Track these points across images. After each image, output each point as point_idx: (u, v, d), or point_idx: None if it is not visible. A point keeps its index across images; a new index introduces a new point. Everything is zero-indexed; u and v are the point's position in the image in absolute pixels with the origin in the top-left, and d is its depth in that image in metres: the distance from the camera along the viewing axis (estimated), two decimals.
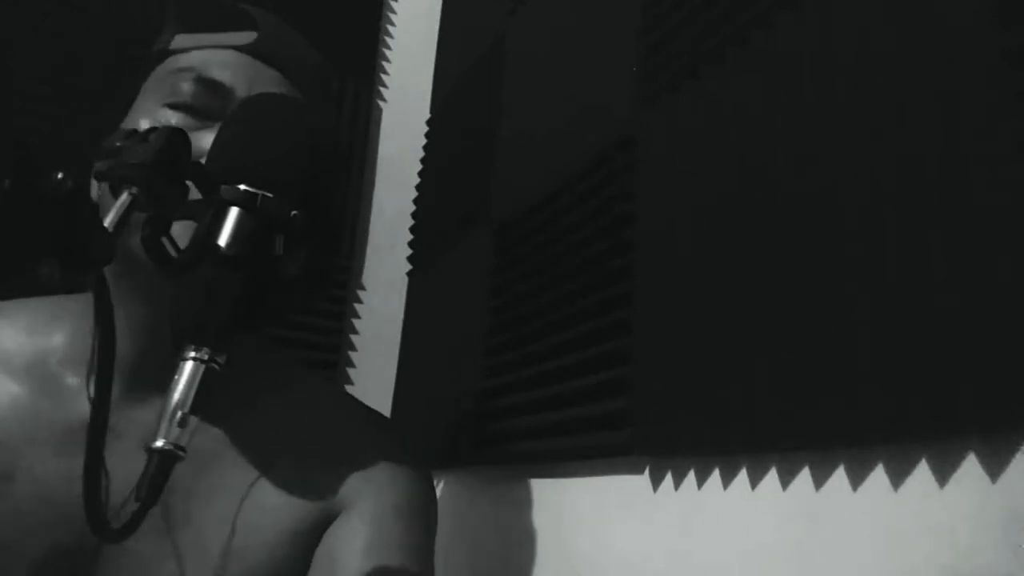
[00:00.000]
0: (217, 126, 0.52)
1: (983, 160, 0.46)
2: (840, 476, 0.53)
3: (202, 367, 0.44)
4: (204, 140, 0.51)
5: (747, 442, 0.60)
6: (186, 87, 0.59)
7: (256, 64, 0.62)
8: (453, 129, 1.38)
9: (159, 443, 0.42)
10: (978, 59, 0.47)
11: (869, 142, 0.54)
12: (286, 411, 0.66)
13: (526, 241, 0.99)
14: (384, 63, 1.53)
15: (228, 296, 0.45)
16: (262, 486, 0.62)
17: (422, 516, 0.66)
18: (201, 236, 0.46)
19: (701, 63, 0.73)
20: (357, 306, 1.39)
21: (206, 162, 0.49)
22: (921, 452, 0.48)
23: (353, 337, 1.37)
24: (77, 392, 0.59)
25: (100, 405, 0.45)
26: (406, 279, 1.40)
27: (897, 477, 0.50)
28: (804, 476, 0.56)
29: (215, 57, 0.61)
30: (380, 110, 1.50)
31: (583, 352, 0.82)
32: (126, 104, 0.62)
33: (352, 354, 1.36)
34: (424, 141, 1.49)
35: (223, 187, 0.47)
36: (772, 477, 0.58)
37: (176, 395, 0.43)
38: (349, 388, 1.33)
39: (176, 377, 0.44)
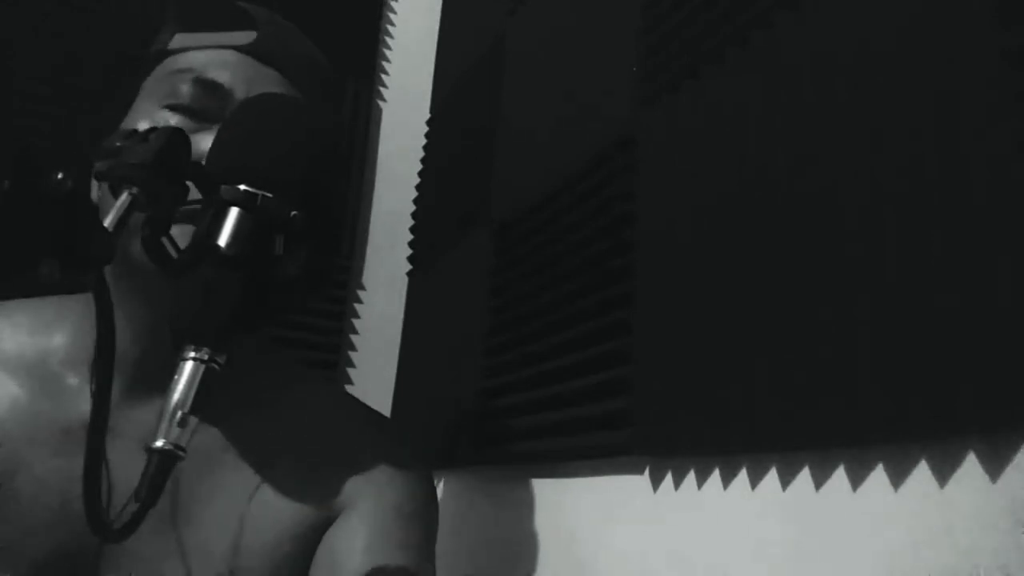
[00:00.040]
0: (216, 128, 0.52)
1: (983, 160, 0.46)
2: (840, 476, 0.53)
3: (202, 367, 0.44)
4: (203, 142, 0.51)
5: (747, 442, 0.60)
6: (185, 89, 0.59)
7: (255, 64, 0.62)
8: (453, 129, 1.38)
9: (159, 443, 0.42)
10: (978, 59, 0.47)
11: (869, 142, 0.54)
12: (286, 411, 0.66)
13: (526, 241, 0.99)
14: (384, 63, 1.53)
15: (228, 296, 0.45)
16: (262, 486, 0.62)
17: (422, 516, 0.66)
18: (201, 236, 0.46)
19: (701, 63, 0.73)
20: (357, 306, 1.39)
21: (206, 162, 0.49)
22: (921, 452, 0.48)
23: (353, 337, 1.37)
24: (77, 392, 0.59)
25: (100, 405, 0.45)
26: (406, 279, 1.40)
27: (897, 477, 0.50)
28: (804, 476, 0.56)
29: (214, 58, 0.61)
30: (380, 110, 1.50)
31: (583, 352, 0.82)
32: (126, 104, 0.62)
33: (352, 354, 1.36)
34: (424, 141, 1.49)
35: (223, 187, 0.47)
36: (772, 477, 0.58)
37: (176, 395, 0.43)
38: (349, 388, 1.33)
39: (176, 377, 0.44)
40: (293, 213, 0.48)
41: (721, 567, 0.61)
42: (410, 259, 1.39)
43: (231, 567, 0.59)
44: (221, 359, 0.45)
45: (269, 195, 0.47)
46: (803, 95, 0.60)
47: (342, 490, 0.64)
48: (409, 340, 1.35)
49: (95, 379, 0.46)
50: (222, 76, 0.60)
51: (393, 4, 1.57)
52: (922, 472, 0.48)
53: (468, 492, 1.02)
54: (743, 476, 0.61)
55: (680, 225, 0.71)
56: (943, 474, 0.47)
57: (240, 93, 0.59)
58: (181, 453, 0.43)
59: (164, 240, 0.48)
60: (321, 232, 0.50)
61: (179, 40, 0.62)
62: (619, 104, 0.85)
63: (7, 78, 1.12)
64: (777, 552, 0.57)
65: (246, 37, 0.62)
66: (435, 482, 0.72)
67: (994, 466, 0.44)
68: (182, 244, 0.48)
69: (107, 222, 0.42)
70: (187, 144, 0.48)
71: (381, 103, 1.51)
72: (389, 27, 1.55)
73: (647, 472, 0.72)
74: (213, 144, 0.49)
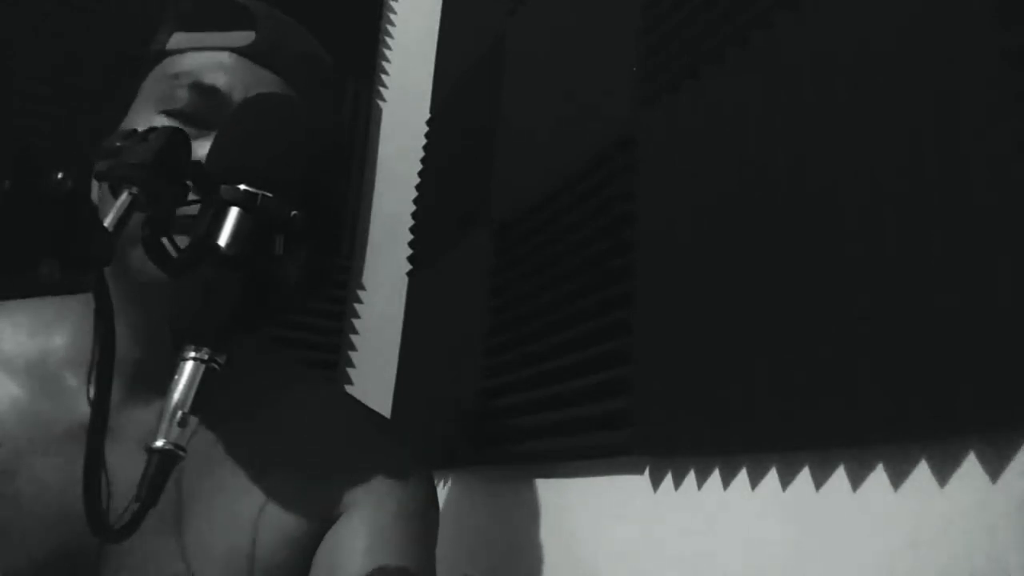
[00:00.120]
0: (213, 133, 0.52)
1: (983, 160, 0.46)
2: (840, 476, 0.53)
3: (202, 367, 0.44)
4: (201, 148, 0.51)
5: (747, 442, 0.60)
6: (182, 94, 0.58)
7: (253, 67, 0.61)
8: (453, 129, 1.38)
9: (159, 443, 0.42)
10: (978, 59, 0.47)
11: (869, 142, 0.54)
12: (286, 411, 0.66)
13: (526, 241, 0.99)
14: (384, 63, 1.53)
15: (228, 296, 0.45)
16: (262, 487, 0.62)
17: (423, 517, 0.66)
18: (201, 236, 0.46)
19: (701, 63, 0.73)
20: (357, 306, 1.39)
21: (206, 162, 0.49)
22: (921, 452, 0.48)
23: (353, 337, 1.37)
24: (77, 392, 0.59)
25: (100, 405, 0.45)
26: (406, 279, 1.40)
27: (897, 477, 0.50)
28: (804, 476, 0.56)
29: (211, 60, 0.60)
30: (380, 110, 1.50)
31: (583, 352, 0.82)
32: (126, 104, 0.62)
33: (352, 354, 1.36)
34: (424, 141, 1.49)
35: (223, 187, 0.47)
36: (772, 477, 0.58)
37: (176, 395, 0.43)
38: (349, 388, 1.33)
39: (176, 377, 0.44)
40: (293, 213, 0.48)
41: (721, 567, 0.61)
42: (410, 259, 1.39)
43: (231, 567, 0.59)
44: (221, 359, 0.45)
45: (269, 195, 0.47)
46: (803, 95, 0.60)
47: (342, 491, 0.64)
48: (409, 340, 1.35)
49: (95, 379, 0.46)
50: (219, 80, 0.59)
51: (393, 4, 1.57)
52: (922, 472, 0.48)
53: (468, 492, 1.02)
54: (743, 476, 0.61)
55: (680, 225, 0.71)
56: (943, 474, 0.47)
57: (237, 97, 0.59)
58: (181, 453, 0.43)
59: (164, 240, 0.48)
60: (321, 232, 0.50)
61: (177, 40, 0.62)
62: (619, 104, 0.85)
63: (7, 78, 1.12)
64: (777, 552, 0.57)
65: (244, 38, 0.62)
66: (435, 482, 0.72)
67: (994, 466, 0.44)
68: (182, 242, 0.48)
69: (107, 222, 0.42)
70: (187, 144, 0.48)
71: (381, 103, 1.51)
72: (389, 27, 1.55)
73: (647, 472, 0.72)
74: (213, 144, 0.49)
